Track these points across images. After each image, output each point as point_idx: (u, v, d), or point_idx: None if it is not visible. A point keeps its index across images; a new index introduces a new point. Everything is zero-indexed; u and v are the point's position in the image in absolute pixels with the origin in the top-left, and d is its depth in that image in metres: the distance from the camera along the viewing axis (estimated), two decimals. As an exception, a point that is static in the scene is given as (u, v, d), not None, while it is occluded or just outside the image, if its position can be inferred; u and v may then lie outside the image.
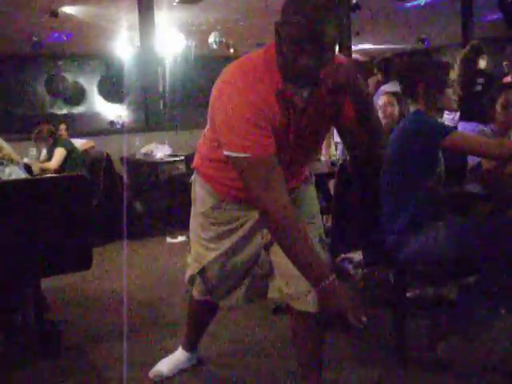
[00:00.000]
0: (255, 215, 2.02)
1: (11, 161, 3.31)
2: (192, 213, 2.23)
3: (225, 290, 2.20)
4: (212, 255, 2.13)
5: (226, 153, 1.75)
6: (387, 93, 3.96)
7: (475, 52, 5.04)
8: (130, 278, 4.13)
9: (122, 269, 4.43)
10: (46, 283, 3.12)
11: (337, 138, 4.73)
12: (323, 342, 2.17)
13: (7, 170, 3.16)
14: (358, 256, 3.60)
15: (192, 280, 2.26)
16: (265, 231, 2.03)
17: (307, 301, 1.97)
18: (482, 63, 5.08)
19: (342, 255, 3.67)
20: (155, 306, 3.53)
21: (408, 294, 3.03)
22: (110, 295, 3.78)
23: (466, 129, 3.36)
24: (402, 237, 2.51)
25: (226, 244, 2.11)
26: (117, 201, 5.32)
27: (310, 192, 2.18)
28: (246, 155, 1.69)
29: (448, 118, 5.89)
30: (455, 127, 4.19)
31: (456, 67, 5.14)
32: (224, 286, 2.19)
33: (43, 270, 2.78)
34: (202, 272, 2.18)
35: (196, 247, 2.21)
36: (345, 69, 1.63)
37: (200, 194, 2.15)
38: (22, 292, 3.02)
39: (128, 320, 3.26)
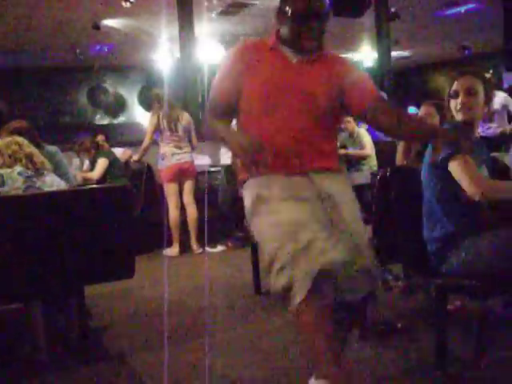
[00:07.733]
0: None
1: (46, 169, 3.20)
2: (267, 222, 2.08)
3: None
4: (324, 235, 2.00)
5: None
6: (426, 103, 3.89)
7: None
8: (170, 286, 4.16)
9: (163, 278, 4.48)
10: (89, 290, 3.18)
11: None
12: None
13: (47, 178, 3.11)
14: (397, 267, 3.56)
15: (288, 288, 1.97)
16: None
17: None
18: None
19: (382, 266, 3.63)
20: (197, 316, 3.55)
21: (449, 307, 2.97)
22: (151, 304, 3.83)
23: None
24: (445, 248, 2.46)
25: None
26: (157, 210, 5.39)
27: (346, 189, 2.26)
28: None
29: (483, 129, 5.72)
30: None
31: None
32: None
33: (87, 277, 2.84)
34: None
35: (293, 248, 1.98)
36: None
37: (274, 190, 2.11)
38: (66, 299, 3.09)
39: (170, 329, 3.29)
